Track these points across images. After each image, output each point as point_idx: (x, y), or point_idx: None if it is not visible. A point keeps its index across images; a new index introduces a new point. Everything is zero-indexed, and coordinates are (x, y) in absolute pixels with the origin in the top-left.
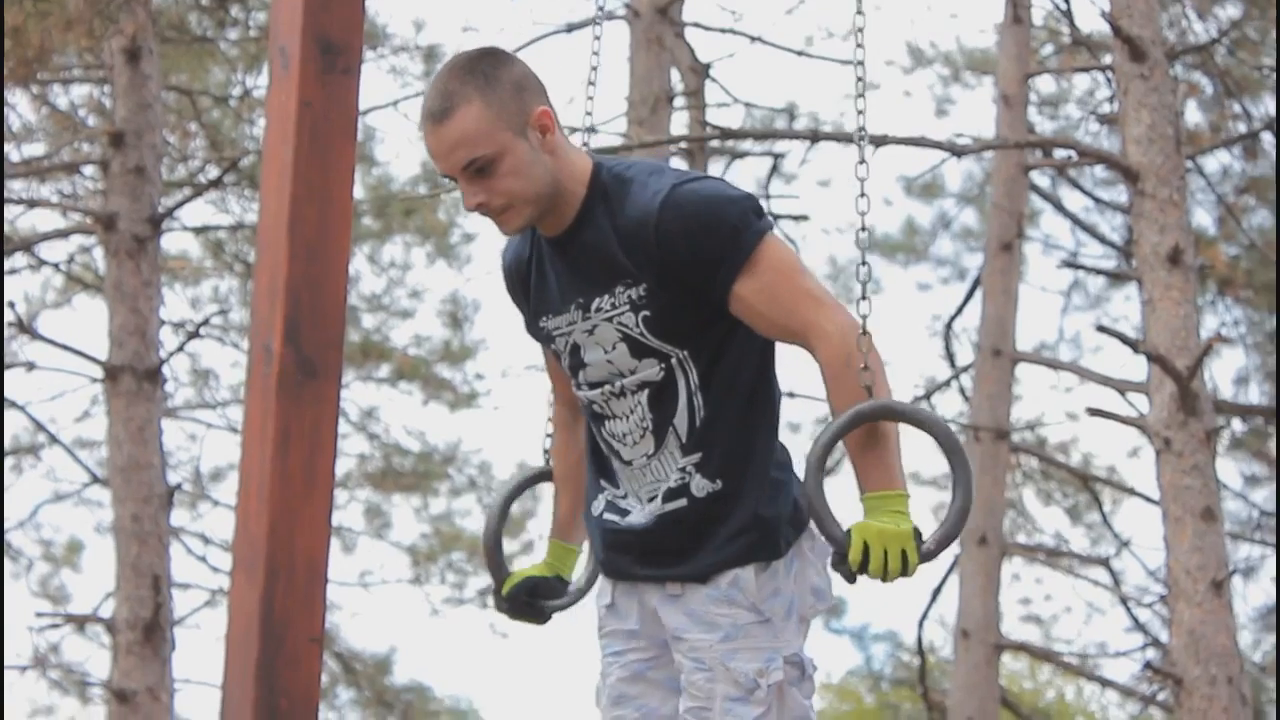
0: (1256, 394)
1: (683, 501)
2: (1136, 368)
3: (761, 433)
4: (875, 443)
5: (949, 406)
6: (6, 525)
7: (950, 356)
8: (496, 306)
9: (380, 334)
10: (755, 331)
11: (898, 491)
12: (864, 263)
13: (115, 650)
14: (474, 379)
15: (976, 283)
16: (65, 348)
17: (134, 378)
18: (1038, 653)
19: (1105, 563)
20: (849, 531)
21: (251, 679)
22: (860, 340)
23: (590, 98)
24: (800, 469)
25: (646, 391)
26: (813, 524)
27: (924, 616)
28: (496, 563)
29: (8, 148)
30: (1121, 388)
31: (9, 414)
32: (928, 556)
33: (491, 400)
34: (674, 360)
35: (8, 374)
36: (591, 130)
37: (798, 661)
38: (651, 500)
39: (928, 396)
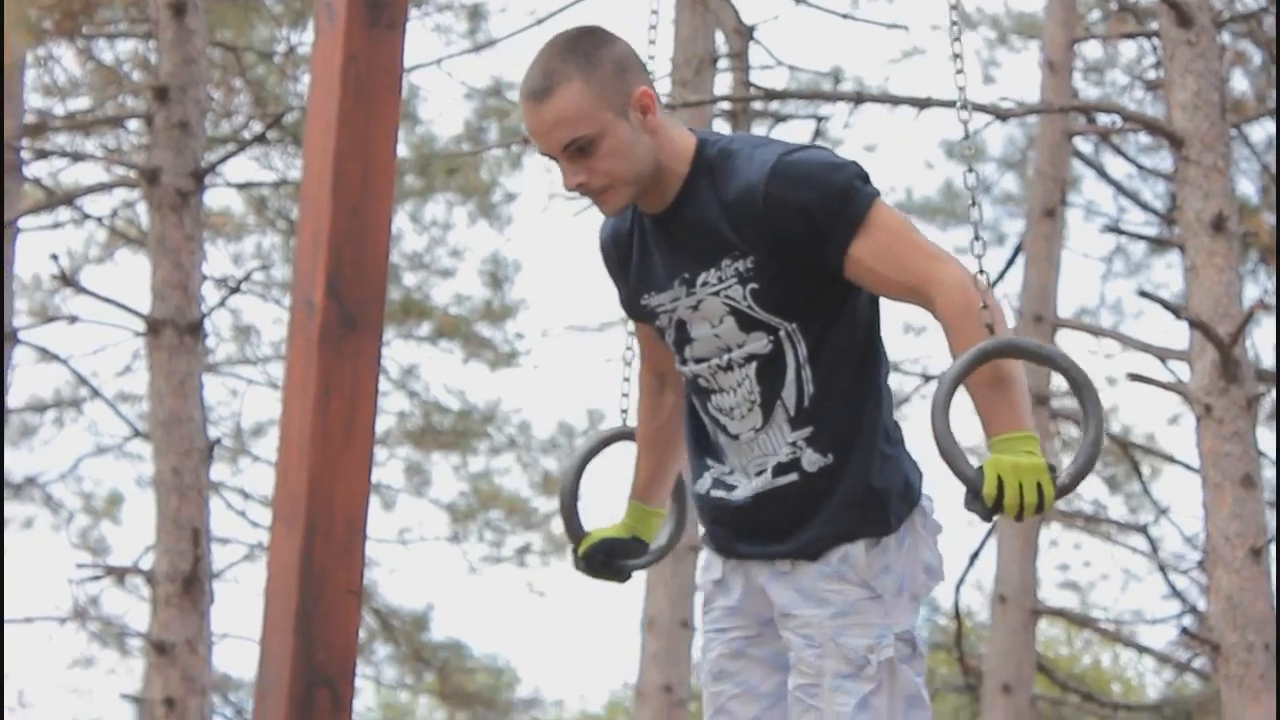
0: None
1: (794, 476)
2: (1178, 335)
3: (871, 406)
4: (1000, 384)
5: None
6: (48, 477)
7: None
8: (537, 267)
9: (421, 292)
10: (872, 294)
11: (1026, 432)
12: (974, 203)
13: (154, 603)
14: (514, 338)
15: (1018, 248)
16: (108, 300)
17: (175, 332)
18: (1075, 618)
19: (1143, 530)
20: (981, 468)
21: (290, 630)
22: (979, 282)
23: (652, 57)
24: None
25: (754, 364)
26: (925, 500)
27: (961, 581)
28: (573, 522)
29: (53, 101)
30: (1162, 355)
31: (52, 367)
32: (1063, 490)
33: (531, 360)
34: (782, 333)
35: (50, 327)
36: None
37: (909, 639)
38: (760, 474)
39: None
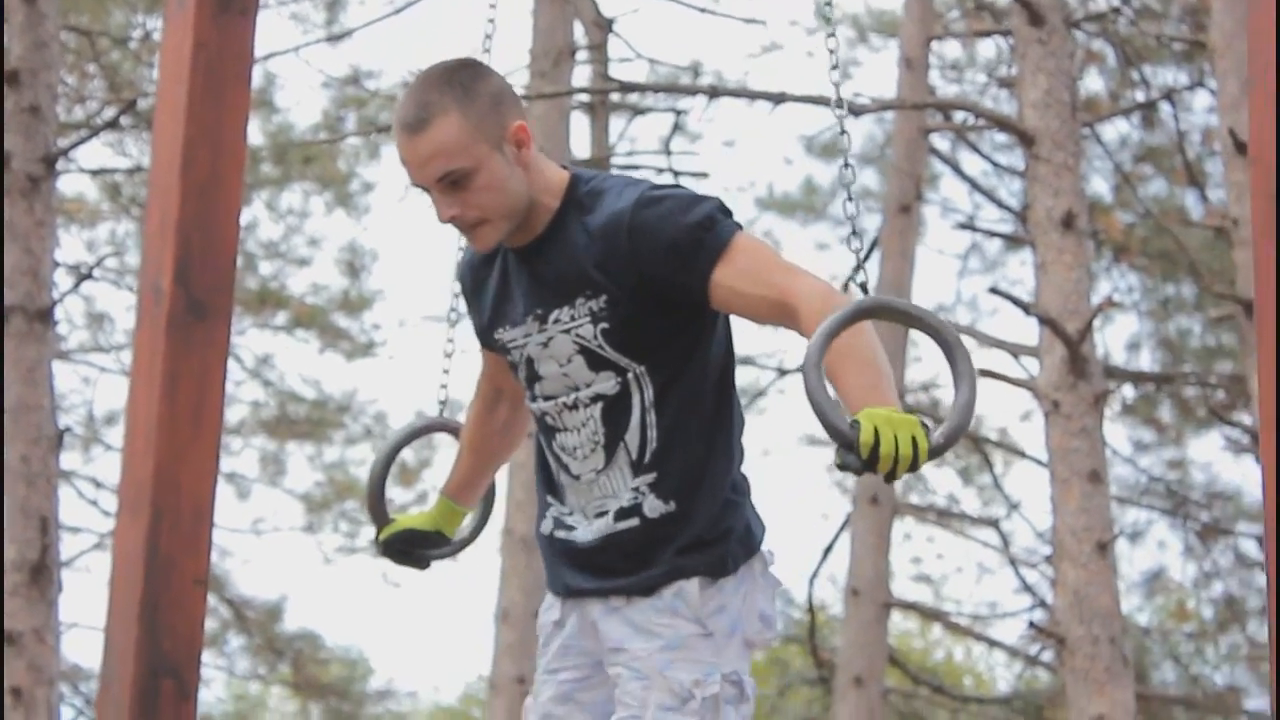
0: (1148, 360)
1: (634, 521)
2: (1030, 332)
3: (719, 456)
4: (866, 366)
5: None
6: None
7: None
8: (393, 256)
9: (278, 281)
10: (727, 344)
11: (893, 406)
12: (850, 197)
13: (1, 592)
14: (371, 328)
15: (874, 243)
16: None
17: (25, 318)
18: (927, 612)
19: (995, 524)
20: (856, 420)
21: (135, 620)
22: (837, 291)
23: (487, 51)
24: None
25: (600, 405)
26: (766, 552)
27: (815, 574)
28: (378, 508)
29: None
30: (1014, 351)
31: None
32: (936, 449)
33: (388, 350)
34: (630, 375)
35: None
36: None
37: (737, 681)
38: (600, 517)
39: None
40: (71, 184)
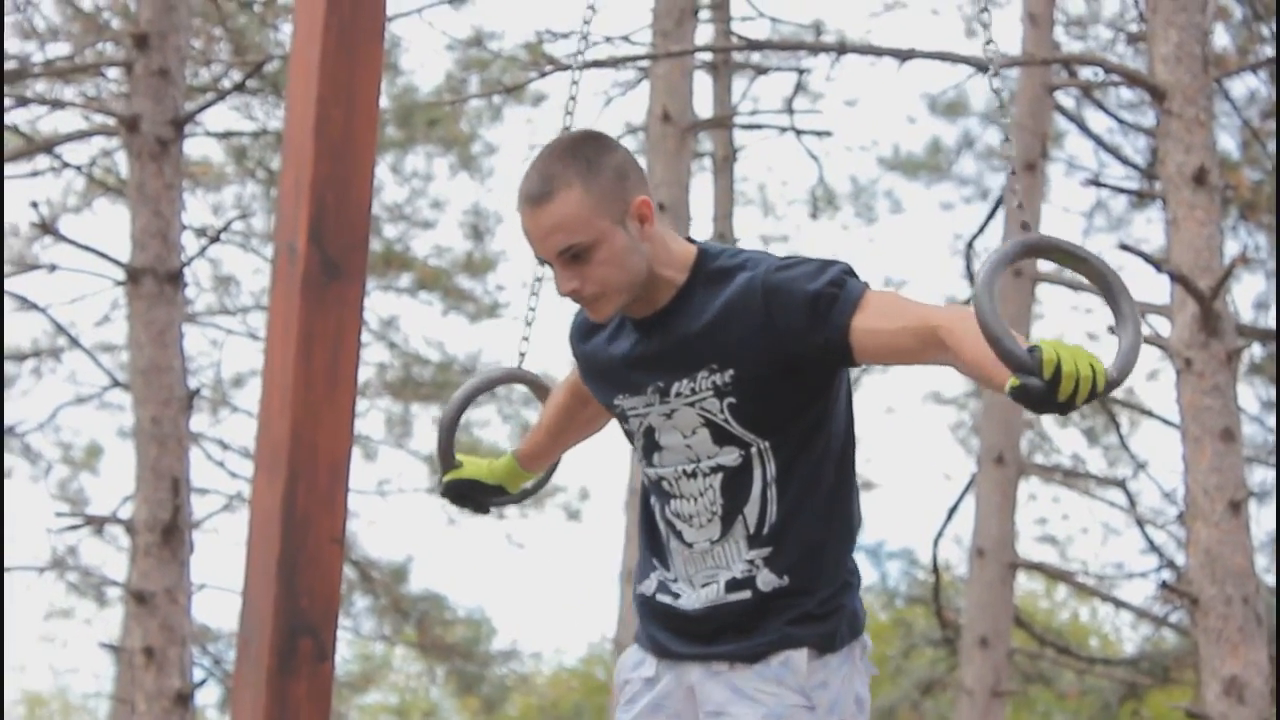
0: (1276, 318)
1: (746, 594)
2: (1158, 291)
3: (837, 535)
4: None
5: None
6: (27, 427)
7: (971, 276)
8: (517, 218)
9: (402, 244)
10: (848, 422)
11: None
12: (1013, 168)
13: (134, 552)
14: (494, 290)
15: (998, 203)
16: (87, 249)
17: (155, 280)
18: (1053, 573)
19: (1122, 484)
20: (1034, 346)
21: (273, 578)
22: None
23: (594, 10)
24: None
25: (720, 475)
26: (866, 638)
27: (939, 534)
28: (446, 452)
29: (32, 48)
30: (1142, 310)
31: (30, 316)
32: (1112, 384)
33: (511, 311)
34: (754, 449)
35: (29, 275)
36: (584, 40)
37: None
38: (706, 586)
39: None
40: (198, 147)
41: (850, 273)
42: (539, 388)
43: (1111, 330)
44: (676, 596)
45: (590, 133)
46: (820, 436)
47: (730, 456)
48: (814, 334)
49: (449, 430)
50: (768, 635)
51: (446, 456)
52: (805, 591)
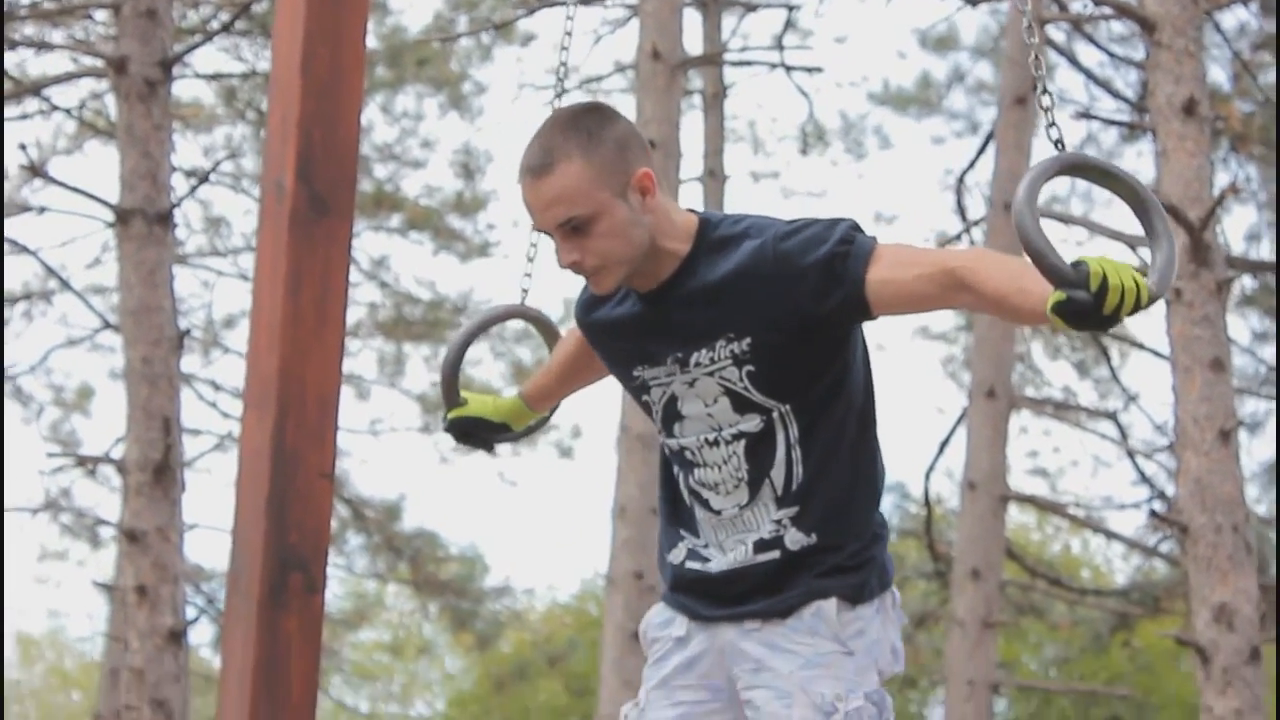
0: (1268, 250)
1: (775, 554)
2: None
3: (862, 492)
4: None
5: None
6: (18, 369)
7: (962, 210)
8: (507, 157)
9: (392, 184)
10: (867, 378)
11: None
12: (1043, 85)
13: (125, 491)
14: (485, 229)
15: (989, 137)
16: (76, 190)
17: (145, 221)
18: (1044, 505)
19: (1113, 416)
20: (1078, 261)
21: (262, 513)
22: (992, 252)
23: None
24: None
25: (744, 441)
26: (895, 590)
27: (931, 468)
28: (451, 389)
29: None
30: (1132, 242)
31: (21, 259)
32: (1153, 299)
33: (502, 250)
34: (775, 414)
35: (19, 219)
36: None
37: (878, 700)
38: (735, 549)
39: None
40: (188, 89)
41: (857, 228)
42: (541, 324)
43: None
44: (706, 561)
45: (592, 104)
46: (841, 395)
47: (752, 423)
48: (830, 295)
49: (453, 367)
50: (797, 589)
51: (451, 393)
52: (834, 548)
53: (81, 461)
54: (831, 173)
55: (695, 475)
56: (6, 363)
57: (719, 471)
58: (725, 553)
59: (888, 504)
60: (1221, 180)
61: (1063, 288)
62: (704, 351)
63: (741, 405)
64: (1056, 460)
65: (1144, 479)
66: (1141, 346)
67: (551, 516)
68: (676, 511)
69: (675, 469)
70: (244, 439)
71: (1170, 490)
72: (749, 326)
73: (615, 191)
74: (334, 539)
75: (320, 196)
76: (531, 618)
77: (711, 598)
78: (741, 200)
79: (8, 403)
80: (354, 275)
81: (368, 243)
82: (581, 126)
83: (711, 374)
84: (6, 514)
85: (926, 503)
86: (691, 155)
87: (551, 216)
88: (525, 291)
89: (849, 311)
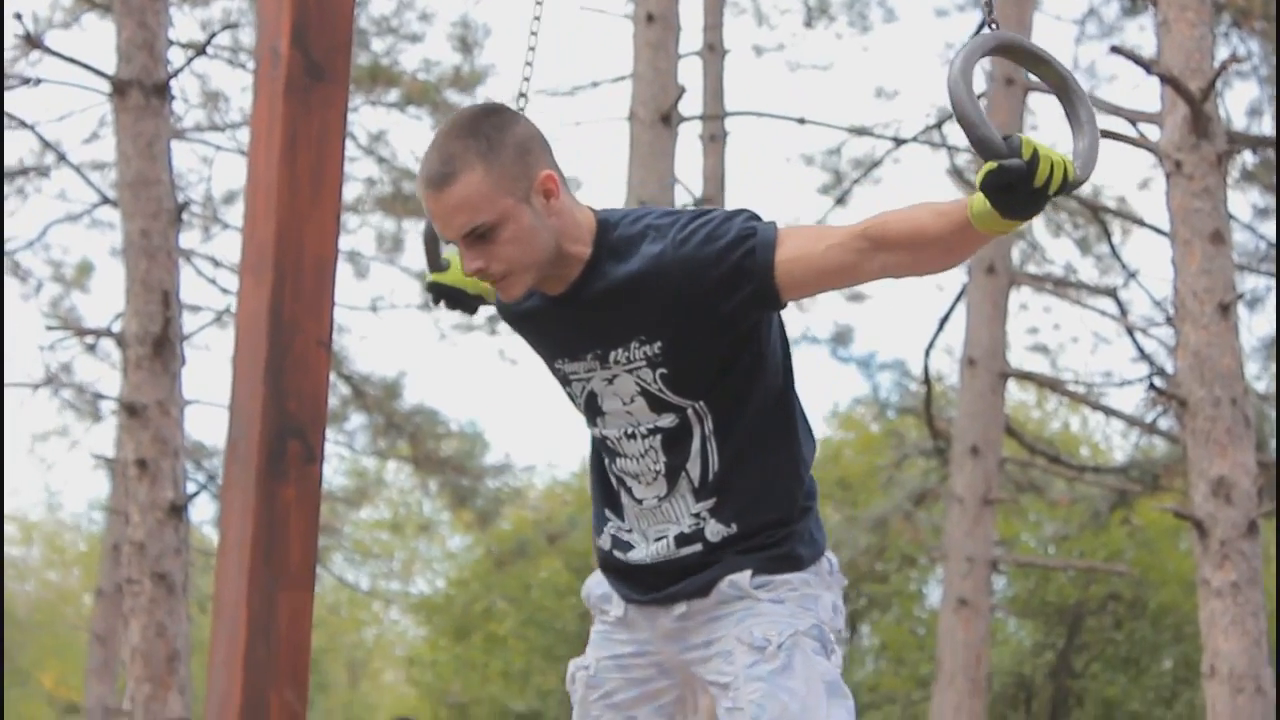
0: (1269, 126)
1: (697, 547)
2: (1148, 98)
3: (784, 474)
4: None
5: (960, 138)
6: (17, 245)
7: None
8: (506, 31)
9: (389, 57)
10: (785, 361)
11: None
12: None
13: (125, 365)
14: None
15: (990, 9)
16: (72, 61)
17: (142, 92)
18: (1043, 381)
19: (1113, 293)
20: (1009, 135)
21: (260, 381)
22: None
23: None
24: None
25: (660, 436)
26: (829, 556)
27: (930, 345)
28: (434, 253)
29: None
30: (1133, 117)
31: (18, 133)
32: (1076, 182)
33: None
34: (690, 411)
35: (16, 93)
36: None
37: (817, 635)
38: (659, 540)
39: (939, 126)
40: None
41: (755, 217)
42: None
43: (1103, 134)
44: (629, 549)
45: (490, 106)
46: (756, 384)
47: (667, 419)
48: (739, 288)
49: (433, 233)
50: (714, 569)
51: (433, 256)
52: (752, 535)
53: (80, 333)
54: (835, 46)
55: (617, 464)
56: (6, 238)
57: (639, 463)
58: (649, 543)
59: (887, 381)
60: (1222, 54)
61: (994, 160)
62: (620, 350)
63: (657, 405)
64: (1056, 337)
65: (1143, 355)
66: (1142, 223)
67: (551, 394)
68: (605, 493)
69: (602, 454)
70: (240, 306)
71: (1169, 367)
72: (659, 329)
73: (519, 197)
74: (334, 417)
75: (316, 62)
76: (531, 495)
77: (636, 583)
78: (744, 75)
79: (7, 279)
80: (351, 150)
81: (365, 117)
82: (480, 132)
83: (630, 371)
84: (8, 389)
85: (926, 379)
86: (691, 29)
87: (456, 225)
88: (523, 95)
89: (759, 302)
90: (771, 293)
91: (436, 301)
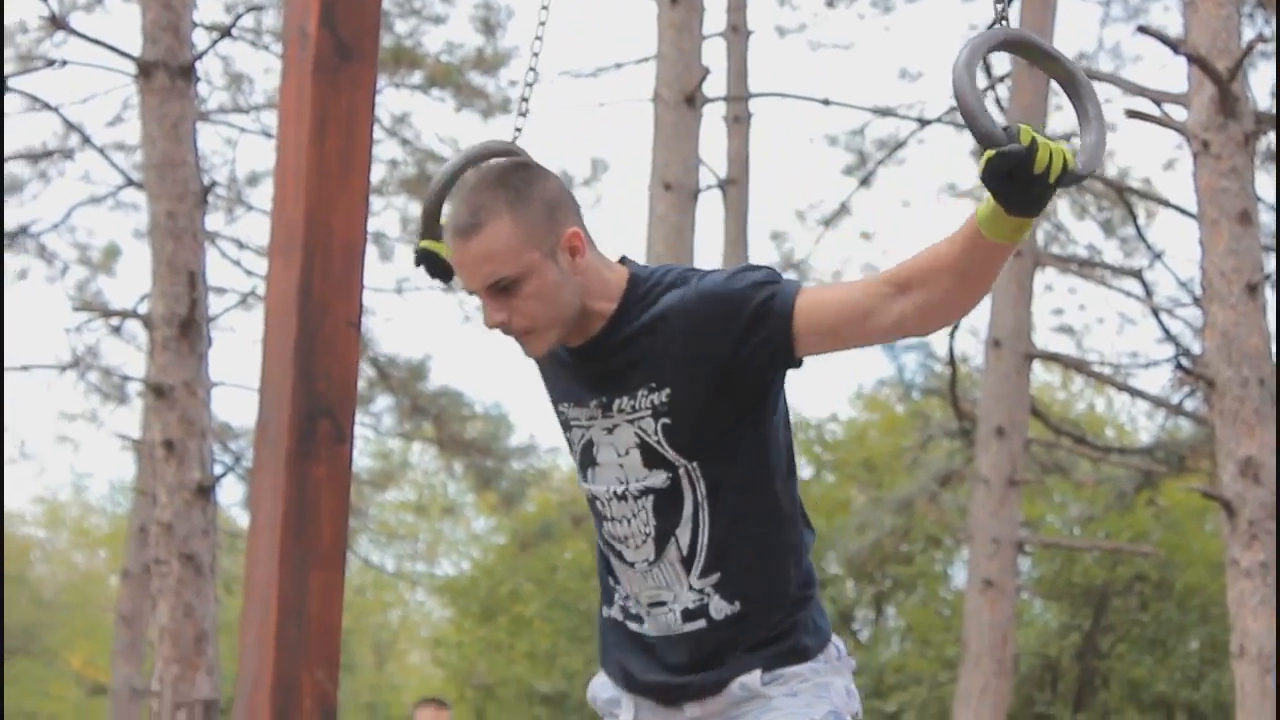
0: None
1: (702, 623)
2: (1174, 79)
3: (783, 554)
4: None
5: None
6: (42, 228)
7: (987, 65)
8: (529, 12)
9: (413, 39)
10: (787, 440)
11: None
12: None
13: (152, 347)
14: (507, 86)
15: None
16: (97, 42)
17: (167, 74)
18: (1069, 362)
19: (1138, 274)
20: (1008, 125)
21: (290, 361)
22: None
23: None
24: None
25: (651, 498)
26: (835, 642)
27: (955, 326)
28: (431, 223)
29: None
30: (1159, 98)
31: (42, 115)
32: (1079, 175)
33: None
34: (681, 471)
35: (40, 75)
36: None
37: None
38: (655, 607)
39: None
40: None
41: (779, 273)
42: None
43: (1130, 114)
44: (640, 621)
45: (520, 162)
46: (753, 456)
47: (659, 479)
48: (756, 331)
49: (438, 198)
50: (726, 666)
51: (431, 224)
52: (756, 616)
53: (107, 314)
54: (858, 26)
55: (606, 528)
56: (30, 220)
57: (628, 526)
58: (647, 610)
59: (912, 363)
60: (1248, 35)
61: (991, 144)
62: (625, 399)
63: (651, 459)
64: (1081, 318)
65: (1169, 336)
66: (1168, 204)
67: None
68: (604, 563)
69: (595, 520)
70: (270, 287)
71: (1195, 348)
72: (669, 376)
73: (545, 251)
74: (359, 398)
75: (344, 42)
76: (556, 477)
77: (647, 660)
78: (768, 56)
79: (33, 261)
80: (375, 132)
81: (389, 99)
82: (509, 184)
83: (631, 421)
84: (33, 371)
85: (951, 361)
86: (715, 8)
87: (481, 276)
88: (519, 130)
89: (774, 349)
90: (788, 341)
91: (419, 264)
